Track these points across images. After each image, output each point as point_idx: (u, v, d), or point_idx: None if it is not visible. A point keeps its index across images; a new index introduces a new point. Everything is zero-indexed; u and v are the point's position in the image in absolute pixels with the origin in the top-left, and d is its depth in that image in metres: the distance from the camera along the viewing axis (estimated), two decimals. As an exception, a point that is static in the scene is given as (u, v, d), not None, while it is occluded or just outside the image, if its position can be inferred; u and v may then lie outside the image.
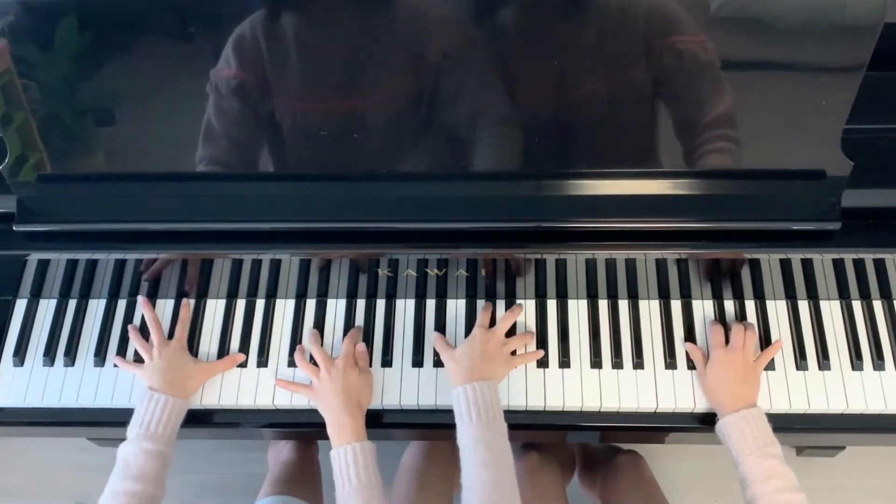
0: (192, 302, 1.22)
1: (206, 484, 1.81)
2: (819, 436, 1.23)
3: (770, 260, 1.12)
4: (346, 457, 1.01)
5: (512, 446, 1.02)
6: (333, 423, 1.06)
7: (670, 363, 1.16)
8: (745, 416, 1.04)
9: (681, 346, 1.17)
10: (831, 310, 1.20)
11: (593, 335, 1.19)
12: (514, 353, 1.16)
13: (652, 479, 1.36)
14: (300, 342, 1.19)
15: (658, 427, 1.16)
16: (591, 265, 1.14)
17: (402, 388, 1.16)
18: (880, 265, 1.13)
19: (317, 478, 1.43)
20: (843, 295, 1.19)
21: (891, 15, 0.88)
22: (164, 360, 1.13)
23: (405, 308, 1.22)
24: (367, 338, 1.19)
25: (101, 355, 1.20)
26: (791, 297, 1.20)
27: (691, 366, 1.16)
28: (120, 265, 1.17)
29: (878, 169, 1.05)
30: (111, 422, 1.17)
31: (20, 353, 1.20)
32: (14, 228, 1.07)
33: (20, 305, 1.24)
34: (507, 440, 1.01)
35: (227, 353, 1.19)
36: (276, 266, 1.17)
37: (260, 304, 1.23)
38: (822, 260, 1.11)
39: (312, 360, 1.16)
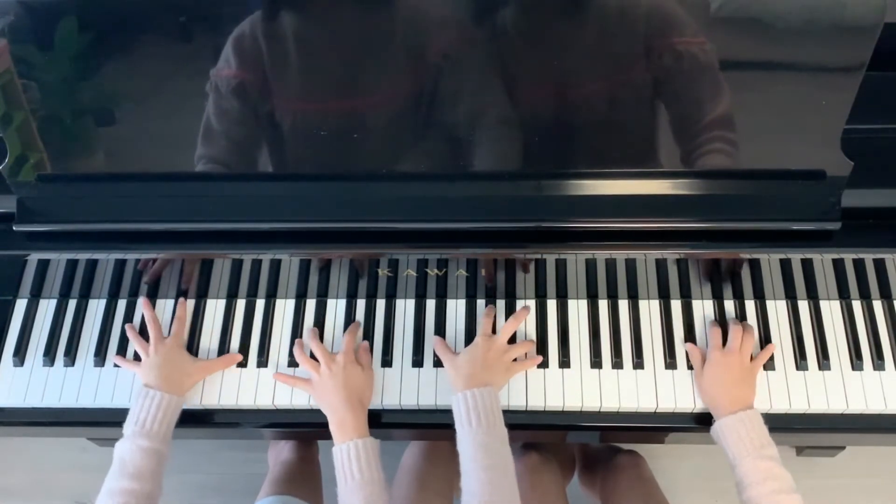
0: (191, 301, 1.22)
1: (206, 484, 1.81)
2: (819, 436, 1.23)
3: (770, 260, 1.12)
4: (349, 453, 1.01)
5: (512, 446, 1.02)
6: (335, 419, 1.06)
7: (670, 363, 1.16)
8: (742, 418, 1.03)
9: (681, 347, 1.17)
10: (831, 310, 1.20)
11: (593, 335, 1.19)
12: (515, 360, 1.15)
13: (652, 479, 1.36)
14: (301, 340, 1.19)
15: (658, 427, 1.16)
16: (591, 265, 1.14)
17: (402, 388, 1.16)
18: (880, 265, 1.13)
19: (317, 477, 1.43)
20: (843, 295, 1.20)
21: (891, 15, 0.88)
22: (160, 357, 1.13)
23: (405, 308, 1.22)
24: (368, 338, 1.19)
25: (101, 355, 1.20)
26: (791, 297, 1.20)
27: (691, 366, 1.16)
28: (120, 265, 1.17)
29: (878, 169, 1.05)
30: (111, 422, 1.17)
31: (20, 353, 1.20)
32: (14, 228, 1.07)
33: (20, 305, 1.24)
34: (508, 446, 1.01)
35: (227, 353, 1.19)
36: (276, 266, 1.17)
37: (260, 304, 1.23)
38: (822, 260, 1.11)
39: (312, 357, 1.16)
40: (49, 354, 1.20)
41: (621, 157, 1.03)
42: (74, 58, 0.96)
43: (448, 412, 1.06)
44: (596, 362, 1.17)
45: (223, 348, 1.19)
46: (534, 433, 1.24)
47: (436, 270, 1.16)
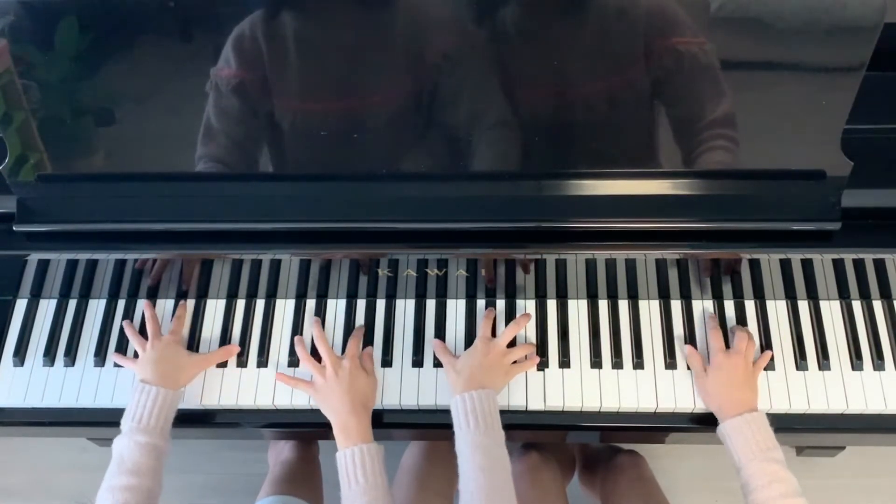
0: (191, 301, 1.22)
1: (206, 484, 1.81)
2: (819, 436, 1.22)
3: (770, 260, 1.12)
4: (354, 458, 1.01)
5: (512, 446, 1.02)
6: (339, 423, 1.06)
7: (670, 363, 1.16)
8: (748, 420, 1.03)
9: (681, 347, 1.17)
10: (831, 310, 1.20)
11: (593, 335, 1.19)
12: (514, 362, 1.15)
13: (652, 479, 1.36)
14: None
15: (658, 427, 1.16)
16: (591, 265, 1.14)
17: (402, 388, 1.16)
18: (880, 265, 1.13)
19: (317, 477, 1.43)
20: (843, 295, 1.19)
21: (891, 15, 0.88)
22: (156, 352, 1.13)
23: (405, 308, 1.22)
24: (368, 338, 1.19)
25: (101, 355, 1.20)
26: (791, 297, 1.20)
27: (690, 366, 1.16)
28: (120, 265, 1.17)
29: (878, 169, 1.05)
30: (111, 422, 1.16)
31: (20, 353, 1.20)
32: (14, 228, 1.07)
33: (20, 305, 1.24)
34: (504, 448, 1.01)
35: (227, 353, 1.19)
36: (276, 266, 1.17)
37: (260, 304, 1.23)
38: (822, 260, 1.11)
39: (314, 354, 1.16)
40: (49, 354, 1.20)
41: (621, 158, 1.03)
42: (74, 58, 0.96)
43: (448, 412, 1.06)
44: (596, 362, 1.17)
45: (223, 348, 1.20)
46: (534, 433, 1.24)
47: (436, 270, 1.16)
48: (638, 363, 1.16)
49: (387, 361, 1.18)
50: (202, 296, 1.23)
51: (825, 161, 1.00)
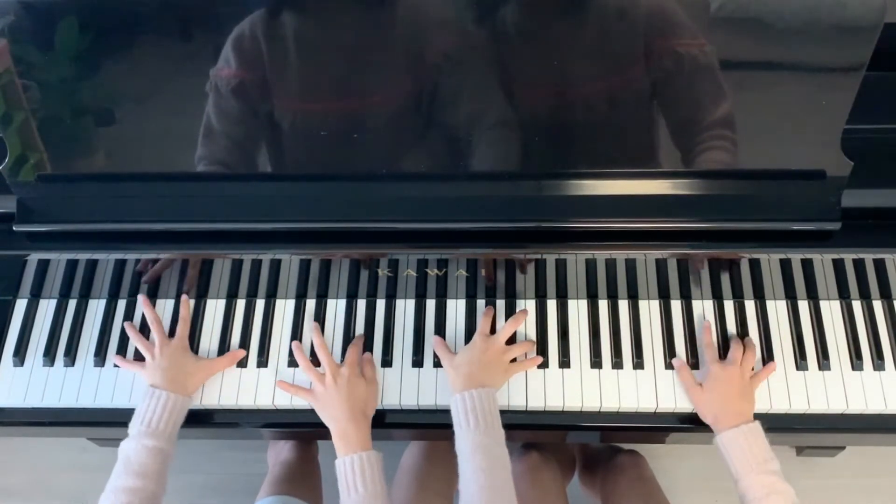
0: (190, 301, 1.22)
1: (206, 484, 1.81)
2: (819, 436, 1.22)
3: (770, 260, 1.12)
4: (353, 466, 1.01)
5: (512, 446, 1.02)
6: (338, 431, 1.06)
7: (670, 363, 1.16)
8: (745, 432, 1.03)
9: (681, 347, 1.17)
10: (831, 310, 1.20)
11: (593, 335, 1.19)
12: (513, 360, 1.15)
13: (652, 479, 1.36)
14: (301, 340, 1.19)
15: (658, 427, 1.16)
16: (591, 265, 1.14)
17: (402, 388, 1.16)
18: (880, 265, 1.13)
19: (316, 477, 1.43)
20: (843, 295, 1.19)
21: (891, 15, 0.88)
22: (166, 358, 1.13)
23: (405, 308, 1.22)
24: (368, 338, 1.19)
25: (101, 355, 1.20)
26: (791, 297, 1.20)
27: (692, 365, 1.16)
28: (120, 265, 1.17)
29: (878, 169, 1.05)
30: (111, 422, 1.17)
31: (20, 353, 1.20)
32: (14, 228, 1.07)
33: (20, 305, 1.24)
34: (505, 447, 1.01)
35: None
36: (276, 266, 1.17)
37: (260, 304, 1.23)
38: (822, 260, 1.11)
39: (313, 358, 1.16)
40: (49, 354, 1.20)
41: (621, 158, 1.03)
42: (74, 58, 0.96)
43: (448, 412, 1.06)
44: (596, 362, 1.17)
45: (223, 348, 1.19)
46: (534, 433, 1.24)
47: (436, 270, 1.16)
48: (638, 363, 1.16)
49: (387, 361, 1.18)
50: (202, 296, 1.23)
51: (825, 161, 1.00)
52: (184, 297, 1.21)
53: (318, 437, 1.39)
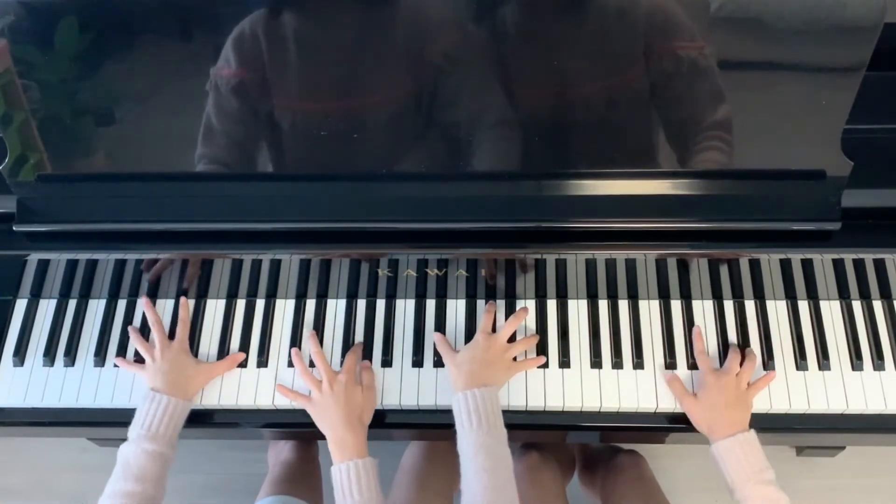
0: (190, 301, 1.22)
1: (207, 484, 1.81)
2: (819, 436, 1.22)
3: (770, 260, 1.12)
4: (349, 473, 1.02)
5: (512, 446, 1.02)
6: (334, 438, 1.06)
7: (670, 363, 1.16)
8: (741, 441, 1.03)
9: (681, 347, 1.17)
10: (831, 310, 1.20)
11: (593, 335, 1.19)
12: (514, 358, 1.15)
13: (652, 479, 1.36)
14: (300, 342, 1.19)
15: (658, 427, 1.16)
16: (591, 265, 1.14)
17: (403, 388, 1.16)
18: (880, 265, 1.13)
19: (317, 477, 1.43)
20: (843, 295, 1.19)
21: (891, 15, 0.88)
22: (166, 361, 1.13)
23: (405, 308, 1.22)
24: (368, 338, 1.19)
25: (101, 355, 1.20)
26: (791, 297, 1.20)
27: (692, 366, 1.16)
28: (120, 265, 1.17)
29: (878, 169, 1.05)
30: (111, 422, 1.17)
31: (20, 353, 1.20)
32: (14, 228, 1.07)
33: (20, 305, 1.24)
34: (507, 447, 1.01)
35: (228, 353, 1.19)
36: (276, 266, 1.17)
37: (260, 304, 1.23)
38: (822, 260, 1.11)
39: (311, 365, 1.16)
40: (49, 354, 1.20)
41: (621, 158, 1.03)
42: (74, 58, 0.96)
43: (448, 412, 1.06)
44: (596, 362, 1.17)
45: (223, 348, 1.19)
46: (534, 433, 1.24)
47: (436, 270, 1.16)
48: (638, 363, 1.16)
49: (387, 361, 1.18)
50: (202, 296, 1.23)
51: (825, 161, 1.00)
52: (183, 299, 1.21)
53: (319, 437, 1.38)
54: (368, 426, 1.11)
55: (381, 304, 1.22)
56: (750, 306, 1.20)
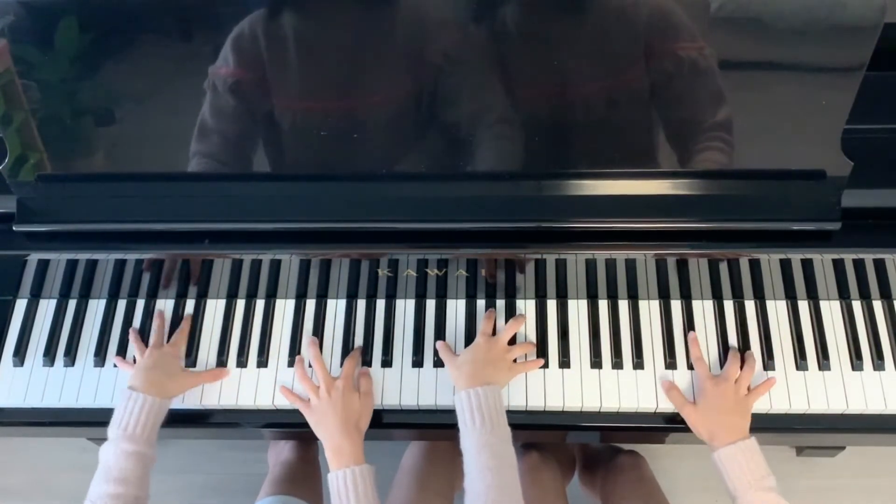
0: (190, 301, 1.22)
1: (207, 484, 1.81)
2: (819, 436, 1.22)
3: (770, 260, 1.12)
4: (346, 480, 1.01)
5: (513, 446, 1.02)
6: (331, 445, 1.06)
7: (670, 363, 1.16)
8: (742, 448, 1.03)
9: (681, 347, 1.17)
10: (831, 310, 1.20)
11: (593, 335, 1.19)
12: (514, 360, 1.15)
13: (652, 479, 1.36)
14: (300, 342, 1.19)
15: (658, 427, 1.16)
16: (591, 265, 1.14)
17: (402, 388, 1.16)
18: (880, 265, 1.13)
19: (317, 478, 1.43)
20: (843, 295, 1.19)
21: (891, 15, 0.88)
22: (151, 360, 1.13)
23: (405, 308, 1.22)
24: (368, 338, 1.19)
25: (101, 355, 1.20)
26: (791, 297, 1.20)
27: (691, 366, 1.16)
28: (120, 265, 1.17)
29: (878, 169, 1.05)
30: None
31: (20, 353, 1.20)
32: (14, 228, 1.07)
33: (20, 305, 1.24)
34: (511, 445, 1.01)
35: (227, 354, 1.19)
36: (276, 266, 1.17)
37: (260, 304, 1.23)
38: (822, 260, 1.11)
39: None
40: (49, 354, 1.20)
41: (621, 158, 1.03)
42: (74, 58, 0.96)
43: (448, 412, 1.06)
44: (596, 362, 1.17)
45: (223, 348, 1.19)
46: (534, 433, 1.24)
47: (436, 270, 1.16)
48: (638, 363, 1.16)
49: (387, 361, 1.18)
50: (202, 296, 1.23)
51: (825, 161, 1.00)
52: (187, 315, 1.21)
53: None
54: (369, 427, 1.11)
55: (380, 304, 1.22)
56: (750, 306, 1.20)
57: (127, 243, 1.09)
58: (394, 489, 1.28)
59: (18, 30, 0.94)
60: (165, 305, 1.22)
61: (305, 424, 1.16)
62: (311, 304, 1.22)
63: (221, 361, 1.19)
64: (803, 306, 1.20)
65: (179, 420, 1.17)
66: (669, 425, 1.15)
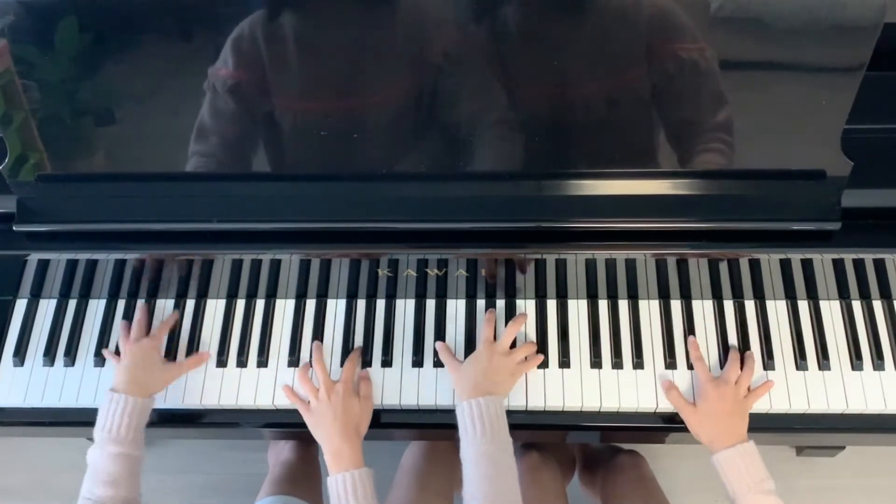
0: (190, 301, 1.22)
1: (207, 484, 1.81)
2: (819, 436, 1.22)
3: (770, 260, 1.12)
4: (345, 484, 1.01)
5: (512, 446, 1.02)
6: (331, 449, 1.06)
7: (670, 363, 1.16)
8: (741, 451, 1.03)
9: (681, 347, 1.17)
10: (831, 310, 1.20)
11: (593, 335, 1.19)
12: None
13: (652, 479, 1.36)
14: (300, 342, 1.19)
15: (658, 427, 1.16)
16: (591, 265, 1.14)
17: (402, 388, 1.16)
18: (880, 265, 1.13)
19: (317, 478, 1.43)
20: (843, 295, 1.20)
21: (891, 15, 0.88)
22: (131, 356, 1.13)
23: (405, 308, 1.22)
24: (368, 338, 1.19)
25: (101, 355, 1.19)
26: (791, 297, 1.20)
27: (691, 365, 1.16)
28: (120, 265, 1.17)
29: (878, 169, 1.05)
30: (111, 422, 1.17)
31: (20, 353, 1.20)
32: (14, 228, 1.07)
33: (20, 305, 1.24)
34: (512, 455, 1.01)
35: (227, 354, 1.19)
36: (276, 266, 1.17)
37: (260, 304, 1.23)
38: (822, 260, 1.11)
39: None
40: (49, 354, 1.20)
41: (621, 158, 1.03)
42: (74, 58, 0.96)
43: (448, 412, 1.06)
44: (596, 362, 1.17)
45: (223, 348, 1.19)
46: (534, 433, 1.24)
47: (436, 270, 1.16)
48: (638, 363, 1.16)
49: (387, 361, 1.18)
50: (202, 296, 1.23)
51: (825, 161, 1.00)
52: (174, 312, 1.21)
53: (318, 437, 1.38)
54: (369, 427, 1.11)
55: (380, 304, 1.22)
56: (750, 306, 1.20)
57: (127, 243, 1.09)
58: (394, 489, 1.28)
59: (18, 30, 0.94)
60: (165, 305, 1.23)
61: (305, 424, 1.16)
62: (311, 304, 1.22)
63: (221, 361, 1.19)
64: (803, 306, 1.20)
65: (179, 420, 1.17)
66: (669, 425, 1.15)
